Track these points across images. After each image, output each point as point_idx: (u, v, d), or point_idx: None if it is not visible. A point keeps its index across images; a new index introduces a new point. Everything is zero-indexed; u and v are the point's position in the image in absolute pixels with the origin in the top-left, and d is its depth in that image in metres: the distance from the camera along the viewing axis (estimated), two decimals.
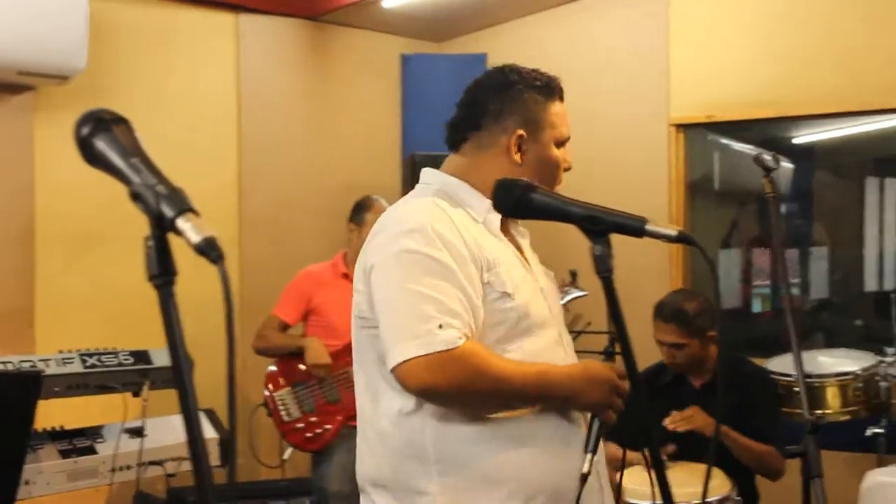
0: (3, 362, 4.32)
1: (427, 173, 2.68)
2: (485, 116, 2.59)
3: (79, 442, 4.63)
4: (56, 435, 4.60)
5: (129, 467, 4.69)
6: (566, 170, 2.65)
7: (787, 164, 6.57)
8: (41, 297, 5.31)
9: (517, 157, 2.57)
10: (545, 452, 2.44)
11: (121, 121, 1.45)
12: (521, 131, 2.57)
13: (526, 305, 2.45)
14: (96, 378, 4.61)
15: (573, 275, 5.23)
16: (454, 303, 2.31)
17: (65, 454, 4.53)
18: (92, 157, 1.43)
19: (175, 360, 1.34)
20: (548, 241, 3.29)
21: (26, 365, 4.40)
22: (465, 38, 7.00)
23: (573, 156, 2.68)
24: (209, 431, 4.98)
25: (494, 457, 2.39)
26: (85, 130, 1.43)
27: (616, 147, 6.36)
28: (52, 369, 4.45)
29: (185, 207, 1.34)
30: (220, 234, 1.30)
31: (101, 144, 1.42)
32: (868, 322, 6.35)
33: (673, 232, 1.78)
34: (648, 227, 1.78)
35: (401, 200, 2.61)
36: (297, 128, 6.38)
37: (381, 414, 2.47)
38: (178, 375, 1.35)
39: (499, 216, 2.50)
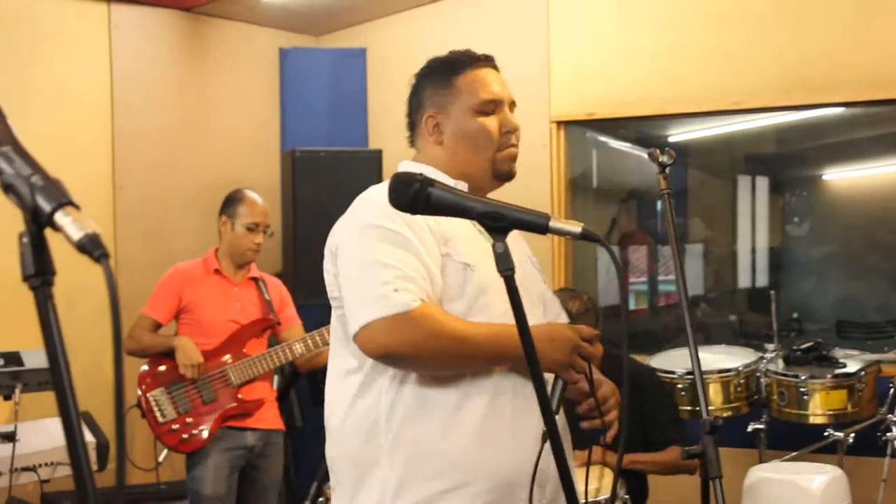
0: None
1: (402, 165, 2.75)
2: (413, 111, 2.76)
3: None
4: None
5: (0, 473, 4.53)
6: (509, 132, 2.66)
7: None
8: None
9: (432, 138, 2.69)
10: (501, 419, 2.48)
11: None
12: (429, 113, 2.69)
13: (486, 281, 2.47)
14: None
15: None
16: (410, 270, 2.39)
17: None
18: None
19: (54, 367, 1.24)
20: None
21: None
22: (344, 32, 6.91)
23: None
24: (86, 435, 4.83)
25: (452, 431, 2.44)
26: None
27: None
28: None
29: (64, 200, 1.23)
30: None
31: None
32: (742, 318, 6.47)
33: (577, 229, 1.74)
34: (552, 223, 1.75)
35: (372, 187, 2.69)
36: (172, 122, 6.21)
37: (343, 394, 2.54)
38: (59, 383, 1.24)
39: None
